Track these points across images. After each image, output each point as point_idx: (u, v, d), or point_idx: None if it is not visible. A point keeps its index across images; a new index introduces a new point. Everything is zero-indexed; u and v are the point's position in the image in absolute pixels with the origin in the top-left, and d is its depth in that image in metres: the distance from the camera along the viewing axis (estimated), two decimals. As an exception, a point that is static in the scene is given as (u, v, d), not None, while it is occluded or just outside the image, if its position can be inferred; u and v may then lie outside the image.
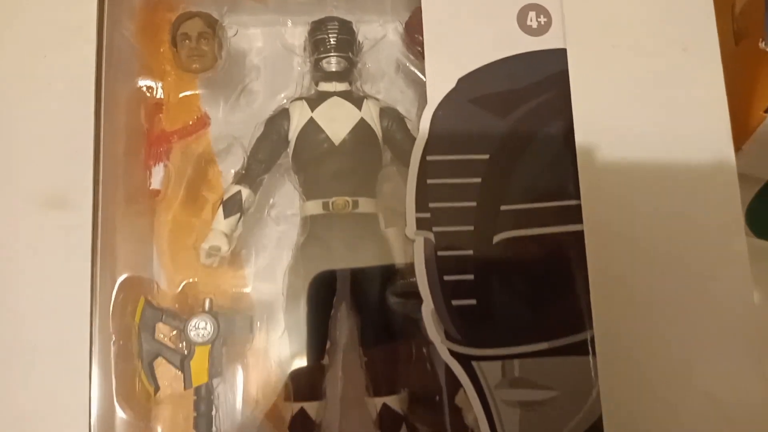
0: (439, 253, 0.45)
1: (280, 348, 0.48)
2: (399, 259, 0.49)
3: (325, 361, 0.48)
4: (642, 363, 0.48)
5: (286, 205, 0.54)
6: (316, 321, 0.47)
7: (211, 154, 0.52)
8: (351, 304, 0.49)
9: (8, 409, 0.42)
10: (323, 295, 0.48)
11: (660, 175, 0.47)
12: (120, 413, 0.43)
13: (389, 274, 0.48)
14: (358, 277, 0.48)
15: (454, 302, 0.44)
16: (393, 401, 0.47)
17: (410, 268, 0.46)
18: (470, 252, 0.45)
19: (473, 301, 0.44)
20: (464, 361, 0.44)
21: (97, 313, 0.43)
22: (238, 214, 0.48)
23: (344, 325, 0.50)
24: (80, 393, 0.41)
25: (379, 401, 0.47)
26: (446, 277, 0.45)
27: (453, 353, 0.44)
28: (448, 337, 0.44)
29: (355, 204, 0.48)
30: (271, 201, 0.55)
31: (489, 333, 0.44)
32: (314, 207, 0.48)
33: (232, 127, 0.54)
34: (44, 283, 0.43)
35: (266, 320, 0.51)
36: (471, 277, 0.45)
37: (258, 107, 0.55)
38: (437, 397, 0.46)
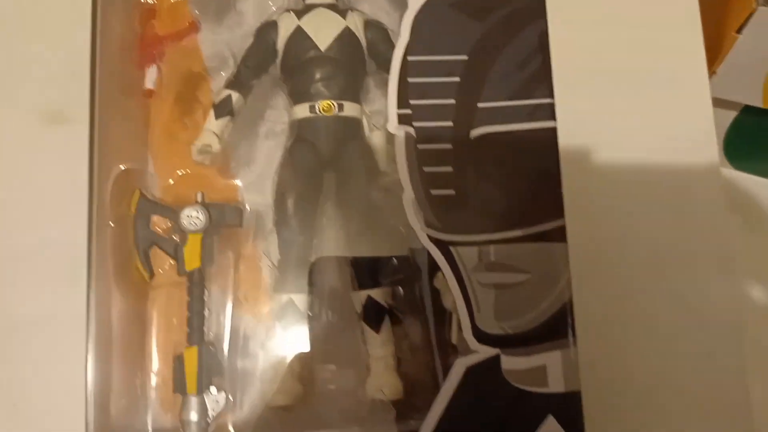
0: (420, 146, 0.47)
1: (269, 246, 0.51)
2: (382, 161, 0.51)
3: (313, 257, 0.51)
4: (612, 251, 0.51)
5: (276, 122, 0.57)
6: (303, 217, 0.49)
7: (203, 70, 0.54)
8: (337, 202, 0.51)
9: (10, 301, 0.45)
10: (310, 193, 0.50)
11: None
12: (116, 295, 0.45)
13: (373, 172, 0.50)
14: (343, 175, 0.50)
15: (433, 192, 0.46)
16: (377, 294, 0.49)
17: (392, 168, 0.49)
18: (449, 146, 0.47)
19: (452, 191, 0.47)
20: (443, 246, 0.46)
21: (95, 204, 0.45)
22: (228, 116, 0.50)
23: (330, 224, 0.52)
24: (78, 280, 0.44)
25: (363, 294, 0.49)
26: (426, 169, 0.47)
27: (432, 239, 0.46)
28: (428, 224, 0.46)
29: (341, 107, 0.50)
30: (262, 116, 0.57)
31: (466, 220, 0.46)
32: (301, 110, 0.50)
33: (222, 45, 0.56)
34: (43, 175, 0.45)
35: (255, 227, 0.54)
36: (449, 168, 0.47)
37: (248, 27, 0.58)
38: (416, 286, 0.49)
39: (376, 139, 0.51)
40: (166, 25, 0.50)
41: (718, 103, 0.58)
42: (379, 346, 0.49)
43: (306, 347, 0.48)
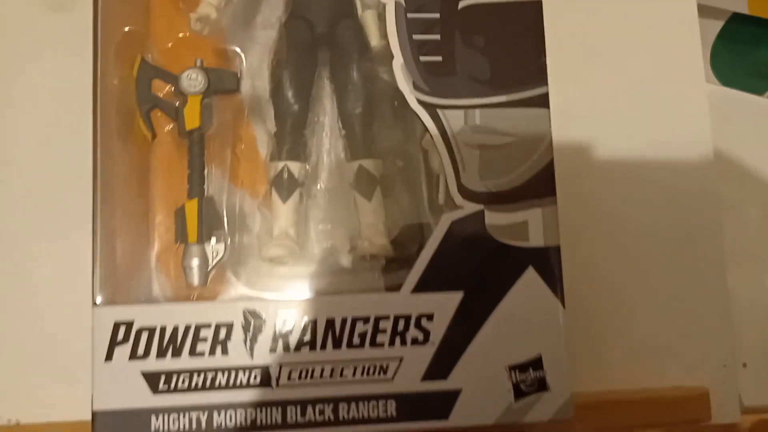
0: (409, 15, 0.48)
1: (266, 117, 0.53)
2: (374, 39, 0.53)
3: (308, 131, 0.53)
4: (594, 116, 0.53)
5: (272, 13, 0.58)
6: (298, 89, 0.50)
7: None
8: (330, 76, 0.53)
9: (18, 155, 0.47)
10: (305, 67, 0.51)
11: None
12: (120, 152, 0.47)
13: (364, 48, 0.52)
14: (337, 51, 0.52)
15: (422, 58, 0.48)
16: (368, 164, 0.51)
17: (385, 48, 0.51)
18: (437, 15, 0.49)
19: (439, 58, 0.48)
20: (430, 109, 0.48)
21: (99, 60, 0.47)
22: (226, -10, 0.52)
23: (325, 99, 0.53)
24: (83, 132, 0.46)
25: (355, 164, 0.51)
26: (415, 36, 0.48)
27: (420, 102, 0.48)
28: (416, 87, 0.48)
29: (334, -15, 0.52)
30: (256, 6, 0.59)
31: (453, 85, 0.48)
32: (296, -13, 0.52)
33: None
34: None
35: (254, 113, 0.55)
36: (437, 36, 0.48)
37: None
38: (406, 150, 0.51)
39: (368, 17, 0.52)
40: None
41: (704, 12, 0.59)
42: (370, 213, 0.50)
43: (301, 208, 0.50)
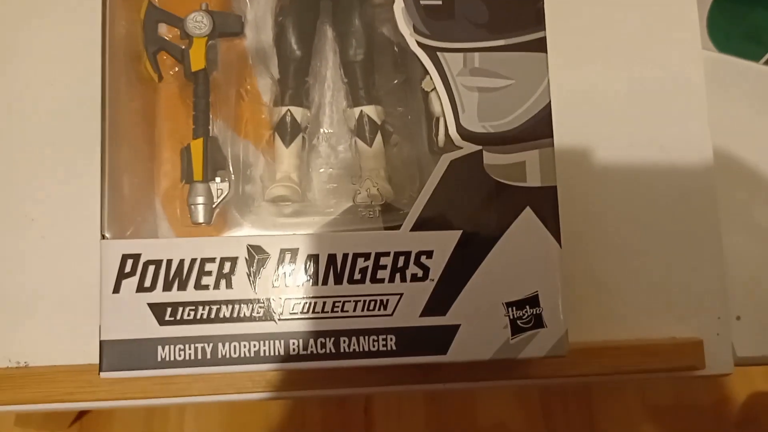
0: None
1: (270, 69, 0.53)
2: (376, -13, 0.53)
3: (310, 78, 0.53)
4: (592, 62, 0.53)
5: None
6: (301, 37, 0.51)
7: None
8: (332, 24, 0.53)
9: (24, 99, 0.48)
10: (308, 16, 0.52)
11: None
12: (128, 92, 0.47)
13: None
14: (338, 2, 0.52)
15: (422, 2, 0.48)
16: (370, 110, 0.51)
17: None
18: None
19: (439, 2, 0.48)
20: (430, 51, 0.48)
21: (107, 11, 0.47)
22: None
23: (327, 46, 0.53)
24: (93, 70, 0.47)
25: (357, 110, 0.51)
26: (416, -13, 0.49)
27: (420, 45, 0.48)
28: (417, 30, 0.48)
29: (337, -59, 0.52)
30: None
31: (453, 29, 0.48)
32: (300, -64, 0.52)
33: None
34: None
35: (258, 62, 0.55)
36: (439, -18, 0.49)
37: None
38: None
39: (370, -34, 0.53)
40: None
41: None
42: (371, 158, 0.51)
43: (303, 154, 0.51)
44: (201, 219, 0.47)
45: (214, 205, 0.47)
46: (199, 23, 0.48)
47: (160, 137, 0.49)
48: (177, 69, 0.50)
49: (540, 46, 0.48)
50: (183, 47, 0.49)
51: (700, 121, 0.56)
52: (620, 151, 0.55)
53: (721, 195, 0.57)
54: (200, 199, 0.47)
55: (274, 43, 0.52)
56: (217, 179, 0.47)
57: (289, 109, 0.51)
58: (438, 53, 0.48)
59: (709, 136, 0.56)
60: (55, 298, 0.49)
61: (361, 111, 0.51)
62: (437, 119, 0.49)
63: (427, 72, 0.47)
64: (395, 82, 0.51)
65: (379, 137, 0.51)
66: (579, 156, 0.55)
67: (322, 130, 0.53)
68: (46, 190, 0.50)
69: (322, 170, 0.51)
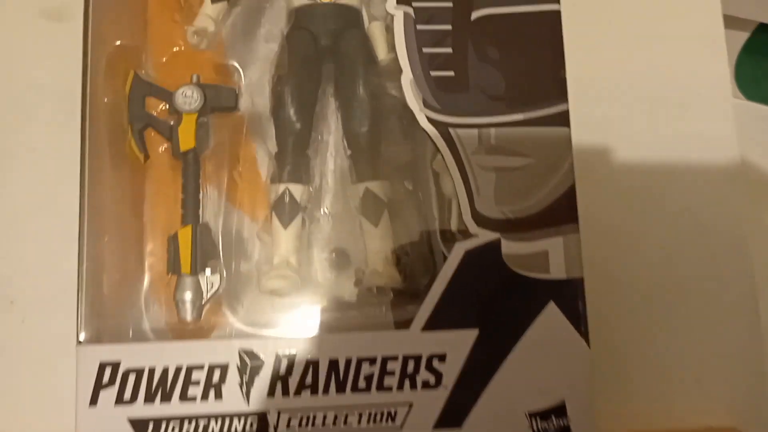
0: (419, 26, 0.43)
1: (266, 136, 0.48)
2: (381, 52, 0.48)
3: (311, 151, 0.48)
4: (617, 135, 0.47)
5: (275, 25, 0.52)
6: (301, 106, 0.45)
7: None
8: (335, 93, 0.47)
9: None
10: (308, 82, 0.46)
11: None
12: (110, 174, 0.42)
13: (372, 62, 0.46)
14: (342, 65, 0.46)
15: (433, 73, 0.43)
16: (376, 186, 0.46)
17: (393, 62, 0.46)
18: (449, 26, 0.43)
19: (451, 73, 0.43)
20: (442, 128, 0.42)
21: (89, 81, 0.43)
22: (225, 1, 0.46)
23: (329, 116, 0.48)
24: (71, 153, 0.42)
25: (361, 186, 0.46)
26: (425, 50, 0.43)
27: (431, 120, 0.42)
28: (426, 105, 0.42)
29: (339, -7, 0.47)
30: (258, 18, 0.54)
31: (466, 103, 0.43)
32: (299, -1, 0.47)
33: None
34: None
35: (254, 132, 0.50)
36: (449, 50, 0.43)
37: None
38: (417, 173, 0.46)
39: (375, 29, 0.47)
40: None
41: (729, 23, 0.53)
42: (377, 239, 0.45)
43: (302, 236, 0.45)
44: (189, 316, 0.42)
45: (203, 301, 0.42)
46: (188, 98, 0.43)
47: (145, 223, 0.43)
48: (165, 146, 0.44)
49: (563, 120, 0.42)
50: (171, 123, 0.44)
51: (732, 185, 0.51)
52: (647, 227, 0.49)
53: (755, 256, 0.51)
54: (188, 295, 0.41)
55: (271, 115, 0.46)
56: (208, 270, 0.42)
57: (287, 188, 0.46)
58: (450, 129, 0.42)
59: (744, 198, 0.51)
60: (32, 405, 0.43)
61: (366, 187, 0.46)
62: (450, 200, 0.44)
63: (438, 150, 0.43)
64: (404, 159, 0.46)
65: (385, 216, 0.46)
66: (604, 238, 0.49)
67: (323, 210, 0.48)
68: (29, 273, 0.45)
69: (324, 254, 0.46)
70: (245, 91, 0.50)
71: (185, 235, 0.42)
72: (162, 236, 0.43)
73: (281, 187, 0.46)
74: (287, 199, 0.46)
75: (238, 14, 0.51)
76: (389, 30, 0.46)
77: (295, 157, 0.46)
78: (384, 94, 0.46)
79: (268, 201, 0.46)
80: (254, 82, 0.50)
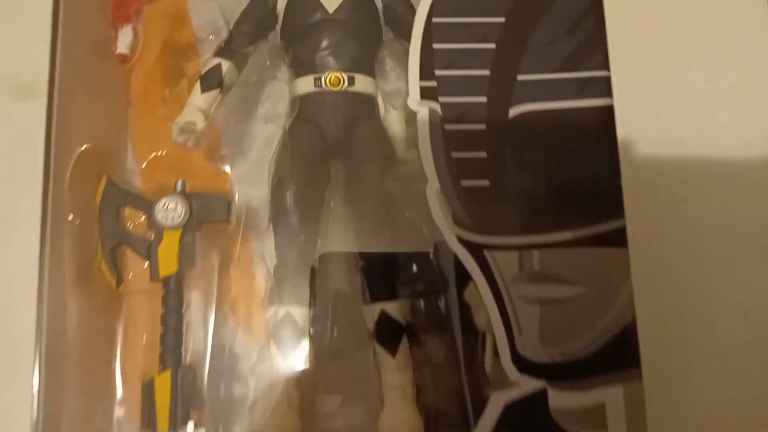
0: (447, 126, 0.36)
1: (263, 247, 0.41)
2: (400, 147, 0.40)
3: (316, 263, 0.41)
4: (683, 258, 0.40)
5: (276, 102, 0.46)
6: (305, 213, 0.38)
7: (191, 38, 0.44)
8: (345, 195, 0.40)
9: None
10: (314, 184, 0.39)
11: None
12: (74, 306, 0.35)
13: (389, 160, 0.39)
14: (353, 163, 0.39)
15: (464, 182, 0.36)
16: (393, 308, 0.38)
17: (413, 155, 0.39)
18: (483, 126, 0.36)
19: (486, 182, 0.36)
20: (475, 250, 0.35)
21: (51, 189, 0.35)
22: (218, 89, 0.39)
23: (338, 222, 0.41)
24: (27, 286, 0.33)
25: (376, 308, 0.38)
26: (455, 154, 0.36)
27: (462, 241, 0.35)
28: (457, 221, 0.35)
29: (351, 81, 0.39)
30: (257, 95, 0.47)
31: (504, 219, 0.35)
32: (305, 84, 0.39)
33: (215, 11, 0.46)
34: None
35: (250, 227, 0.43)
36: (483, 154, 0.36)
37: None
38: (442, 298, 0.39)
39: (392, 120, 0.40)
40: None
41: None
42: (395, 372, 0.37)
43: (306, 372, 0.37)
44: (166, 487, 0.34)
45: (185, 467, 0.35)
46: (171, 212, 0.35)
47: (116, 366, 0.36)
48: (145, 266, 0.37)
49: (619, 239, 0.35)
50: (151, 240, 0.36)
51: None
52: (722, 333, 0.42)
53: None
54: (165, 460, 0.34)
55: (270, 223, 0.40)
56: (190, 425, 0.34)
57: (288, 311, 0.39)
58: (485, 252, 0.35)
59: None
60: None
61: (382, 309, 0.39)
62: (484, 335, 0.37)
63: (470, 277, 0.35)
64: (427, 287, 0.38)
65: (404, 344, 0.38)
66: (669, 338, 0.41)
67: (330, 335, 0.40)
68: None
69: (331, 399, 0.39)
70: (241, 181, 0.44)
71: (163, 383, 0.34)
72: (136, 381, 0.35)
73: (281, 311, 0.39)
74: (289, 325, 0.38)
75: (234, 93, 0.45)
76: (410, 121, 0.40)
77: (297, 274, 0.39)
78: (404, 201, 0.39)
79: (267, 325, 0.40)
80: (251, 171, 0.45)
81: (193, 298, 0.39)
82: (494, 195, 0.35)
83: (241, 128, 0.46)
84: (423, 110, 0.36)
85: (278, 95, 0.46)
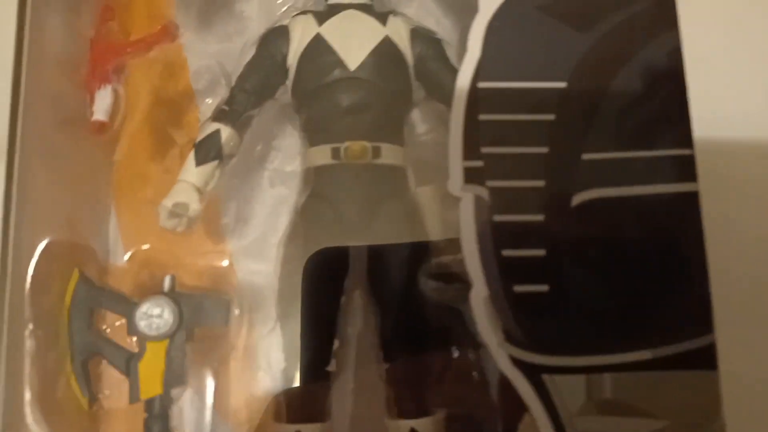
0: (497, 217, 0.29)
1: (269, 349, 0.34)
2: (436, 231, 0.34)
3: (332, 367, 0.32)
4: None
5: (285, 160, 0.39)
6: (320, 312, 0.32)
7: (186, 92, 0.37)
8: (368, 291, 0.33)
9: None
10: (331, 277, 0.33)
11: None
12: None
13: (422, 250, 0.32)
14: (378, 253, 0.33)
15: (518, 288, 0.29)
16: (425, 426, 0.31)
17: (452, 243, 0.32)
18: (540, 217, 0.30)
19: (544, 287, 0.29)
20: (532, 373, 0.28)
21: (7, 292, 0.29)
22: (216, 161, 0.32)
23: (358, 319, 0.34)
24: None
25: (405, 425, 0.31)
26: (506, 252, 0.29)
27: (516, 361, 0.28)
28: (509, 338, 0.28)
29: (376, 151, 0.32)
30: (263, 152, 0.40)
31: (567, 334, 0.29)
32: (320, 155, 0.32)
33: (212, 59, 0.39)
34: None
35: (253, 311, 0.36)
36: (542, 252, 0.29)
37: (252, 35, 0.41)
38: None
39: (425, 198, 0.34)
40: (131, 28, 0.33)
41: None
42: (426, 503, 0.32)
43: None
44: None
45: None
46: (156, 320, 0.28)
47: None
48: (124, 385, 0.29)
49: (709, 359, 0.29)
50: (131, 352, 0.29)
51: None
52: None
53: None
54: None
55: (278, 321, 0.33)
56: None
57: (299, 431, 0.32)
58: (544, 376, 0.29)
59: None
60: None
61: (412, 428, 0.32)
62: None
63: (526, 407, 0.29)
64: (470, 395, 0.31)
65: (438, 468, 0.32)
66: None
67: None
68: None
69: None
70: (243, 254, 0.37)
71: None
72: None
73: (290, 430, 0.32)
74: None
75: (235, 164, 0.38)
76: (446, 202, 0.33)
77: (311, 385, 0.32)
78: (439, 303, 0.32)
79: None
80: (257, 242, 0.38)
81: (186, 408, 0.32)
82: (555, 304, 0.28)
83: (244, 192, 0.40)
84: (467, 197, 0.29)
85: (288, 152, 0.39)
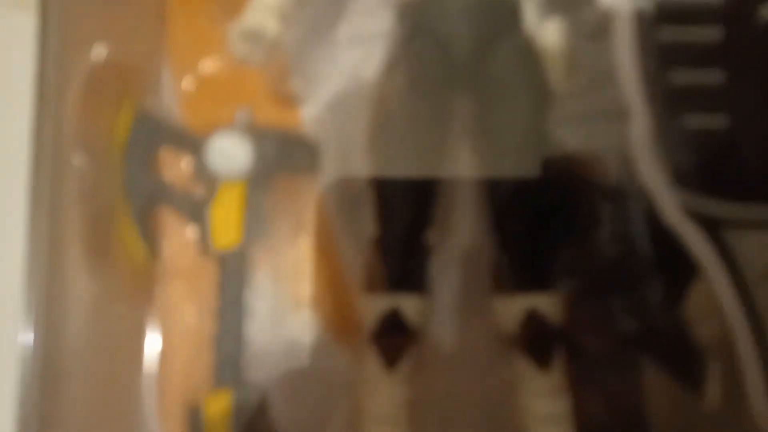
0: (665, 31, 0.23)
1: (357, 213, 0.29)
2: (562, 75, 0.27)
3: (431, 235, 0.28)
4: None
5: (366, 19, 0.34)
6: (417, 170, 0.27)
7: None
8: (477, 147, 0.26)
9: None
10: (430, 129, 0.26)
11: None
12: (81, 294, 0.23)
13: (542, 93, 0.26)
14: (489, 98, 0.26)
15: (691, 119, 0.22)
16: (546, 303, 0.26)
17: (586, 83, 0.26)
18: (720, 33, 0.23)
19: (724, 120, 0.23)
20: (711, 226, 0.22)
21: (47, 115, 0.23)
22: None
23: (466, 179, 0.29)
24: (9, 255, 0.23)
25: (521, 302, 0.26)
26: (677, 76, 0.22)
27: (691, 213, 0.22)
28: (681, 180, 0.21)
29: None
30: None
31: (755, 177, 0.23)
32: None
33: None
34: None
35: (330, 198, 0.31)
36: (721, 77, 0.23)
37: None
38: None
39: (551, 34, 0.28)
40: None
41: None
42: (546, 395, 0.25)
43: (416, 390, 0.26)
44: None
45: None
46: (230, 159, 0.23)
47: (145, 383, 0.24)
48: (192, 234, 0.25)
49: None
50: (200, 198, 0.24)
51: None
52: None
53: None
54: None
55: (367, 182, 0.27)
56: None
57: (395, 302, 0.26)
58: (726, 231, 0.23)
59: None
60: None
61: (530, 306, 0.27)
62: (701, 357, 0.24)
63: (694, 269, 0.23)
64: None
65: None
66: None
67: (449, 337, 0.28)
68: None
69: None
70: (316, 123, 0.31)
71: (217, 409, 0.22)
72: (175, 408, 0.23)
73: (385, 302, 0.27)
74: (394, 321, 0.27)
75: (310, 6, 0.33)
76: (580, 36, 0.26)
77: (407, 254, 0.27)
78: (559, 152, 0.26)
79: (362, 322, 0.28)
80: (331, 111, 0.33)
81: (260, 281, 0.27)
82: (737, 139, 0.23)
83: (316, 53, 0.35)
84: (624, 5, 0.23)
85: (368, 7, 0.35)
